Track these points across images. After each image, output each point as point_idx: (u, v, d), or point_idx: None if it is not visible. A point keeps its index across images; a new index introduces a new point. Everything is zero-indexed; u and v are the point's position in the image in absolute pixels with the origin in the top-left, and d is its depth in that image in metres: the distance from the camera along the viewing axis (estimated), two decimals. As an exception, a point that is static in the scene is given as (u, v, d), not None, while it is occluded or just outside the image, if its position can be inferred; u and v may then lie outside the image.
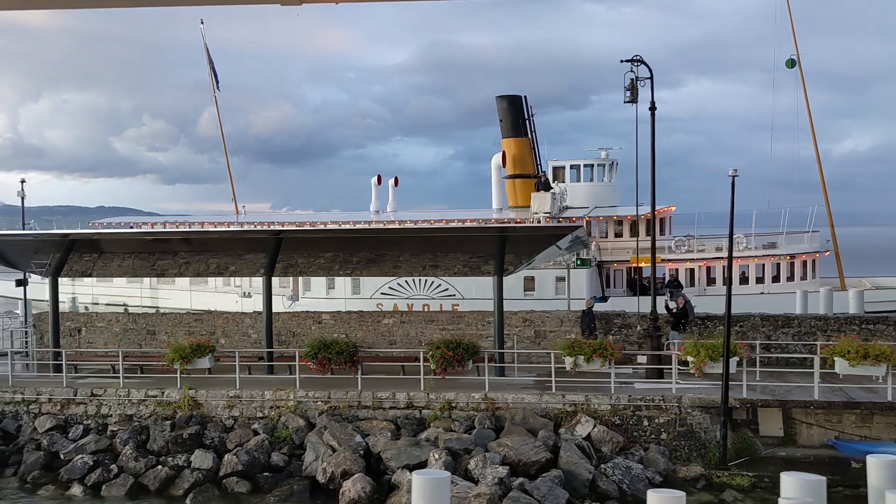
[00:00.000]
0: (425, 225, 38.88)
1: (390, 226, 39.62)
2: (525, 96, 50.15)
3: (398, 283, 41.64)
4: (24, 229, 32.29)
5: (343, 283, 42.82)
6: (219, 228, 35.56)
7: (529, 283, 41.75)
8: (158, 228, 39.67)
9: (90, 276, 28.28)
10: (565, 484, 17.52)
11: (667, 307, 23.44)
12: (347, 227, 36.84)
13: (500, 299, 23.33)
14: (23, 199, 31.18)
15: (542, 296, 40.89)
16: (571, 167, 48.22)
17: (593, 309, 24.48)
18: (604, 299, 41.45)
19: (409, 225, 40.38)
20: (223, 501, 18.51)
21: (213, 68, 56.95)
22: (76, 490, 19.24)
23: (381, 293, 41.87)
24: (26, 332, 30.35)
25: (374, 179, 51.25)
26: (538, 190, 43.49)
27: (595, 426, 19.76)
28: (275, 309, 37.33)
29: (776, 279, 43.35)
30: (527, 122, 50.02)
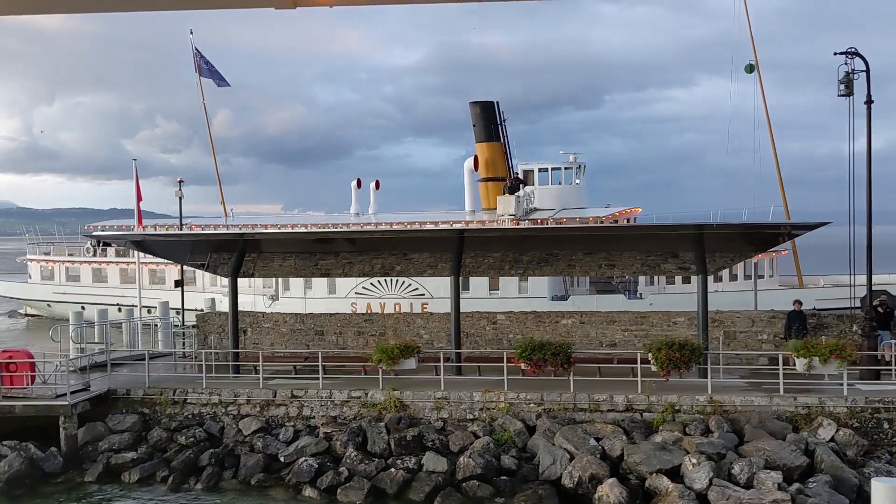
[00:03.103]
0: (399, 227, 39.59)
1: (559, 224, 40.11)
2: (497, 102, 52.13)
3: (371, 283, 42.97)
4: (181, 229, 32.14)
5: (320, 283, 43.82)
6: (393, 228, 35.62)
7: (494, 282, 42.57)
8: (320, 229, 39.64)
9: (252, 275, 28.02)
10: (834, 489, 16.94)
11: (877, 308, 22.77)
12: (520, 226, 36.36)
13: (704, 299, 22.74)
14: (181, 199, 31.07)
15: (505, 295, 41.83)
16: (540, 170, 50.27)
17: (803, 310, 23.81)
18: (564, 298, 42.44)
19: (387, 227, 41.04)
20: (469, 506, 18.04)
21: (202, 75, 58.29)
22: (310, 493, 18.86)
23: (356, 293, 43.06)
24: (183, 334, 30.26)
25: (354, 183, 53.18)
26: (504, 192, 45.35)
27: (838, 429, 19.13)
28: (257, 309, 37.22)
29: (734, 277, 43.81)
30: (499, 127, 51.83)
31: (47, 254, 59.23)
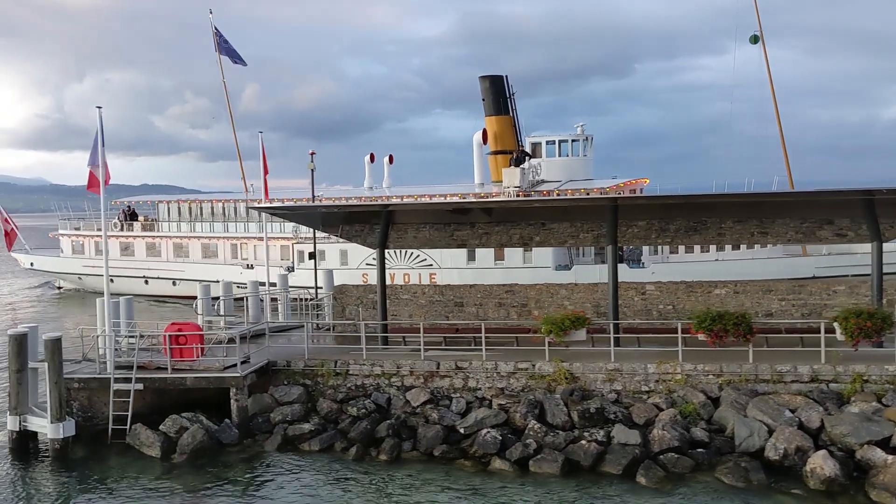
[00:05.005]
0: (403, 199, 40.10)
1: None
2: (506, 76, 52.67)
3: None
4: (313, 201, 32.06)
5: (332, 254, 45.55)
6: (536, 197, 36.10)
7: (500, 253, 43.58)
8: (458, 199, 40.44)
9: (387, 247, 27.74)
10: None
11: None
12: (667, 193, 35.78)
13: (879, 266, 22.06)
14: (312, 171, 30.94)
15: (510, 264, 43.18)
16: (548, 142, 51.26)
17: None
18: (567, 268, 43.63)
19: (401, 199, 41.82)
20: (672, 480, 17.62)
21: (221, 53, 59.17)
22: (500, 465, 18.61)
23: (367, 263, 44.31)
24: (317, 306, 30.24)
25: (368, 157, 54.54)
26: (510, 165, 46.43)
27: None
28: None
29: (736, 246, 43.47)
30: (508, 100, 52.43)
31: (77, 229, 61.28)
